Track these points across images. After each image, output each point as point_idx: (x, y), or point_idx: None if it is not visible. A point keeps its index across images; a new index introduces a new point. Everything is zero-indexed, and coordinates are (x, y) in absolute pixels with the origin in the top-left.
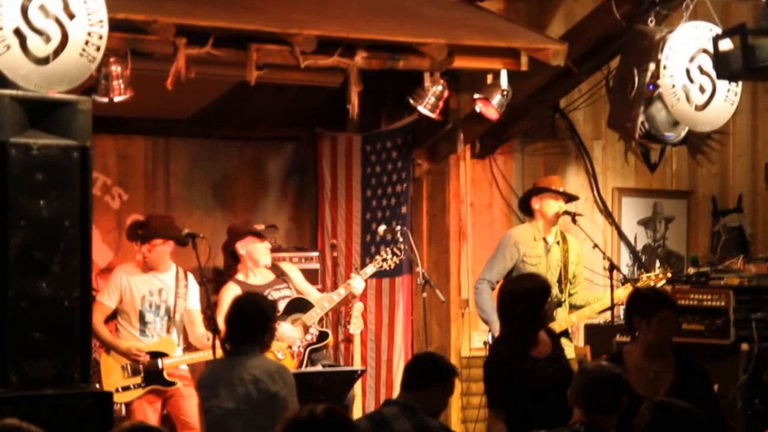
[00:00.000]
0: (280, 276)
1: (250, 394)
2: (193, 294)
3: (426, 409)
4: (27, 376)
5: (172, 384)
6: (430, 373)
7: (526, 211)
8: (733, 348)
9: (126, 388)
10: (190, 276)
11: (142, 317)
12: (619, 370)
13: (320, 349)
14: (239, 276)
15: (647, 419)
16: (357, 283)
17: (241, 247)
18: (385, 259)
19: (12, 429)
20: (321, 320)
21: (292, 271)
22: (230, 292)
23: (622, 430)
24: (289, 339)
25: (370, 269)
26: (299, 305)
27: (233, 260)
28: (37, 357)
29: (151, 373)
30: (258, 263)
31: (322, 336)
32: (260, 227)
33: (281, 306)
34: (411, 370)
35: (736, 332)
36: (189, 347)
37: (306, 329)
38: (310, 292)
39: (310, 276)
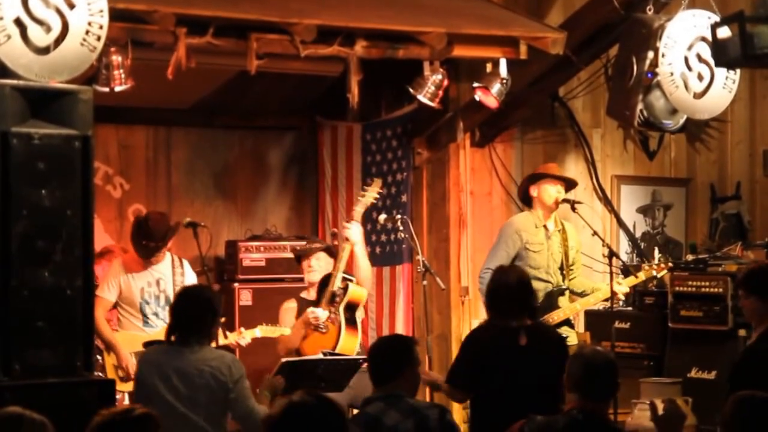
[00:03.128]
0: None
1: (209, 385)
2: (189, 280)
3: (408, 392)
4: (30, 365)
5: None
6: (399, 361)
7: (524, 199)
8: (731, 334)
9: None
10: (185, 263)
11: (143, 309)
12: (612, 356)
13: (350, 303)
14: (303, 294)
15: (729, 414)
16: (352, 232)
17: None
18: (363, 195)
19: (15, 417)
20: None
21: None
22: (287, 308)
23: None
24: (322, 318)
25: (360, 209)
26: (324, 282)
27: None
28: (39, 346)
29: None
30: (307, 280)
31: (345, 289)
32: (309, 245)
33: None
34: (379, 364)
35: (734, 318)
36: None
37: (331, 300)
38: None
39: None
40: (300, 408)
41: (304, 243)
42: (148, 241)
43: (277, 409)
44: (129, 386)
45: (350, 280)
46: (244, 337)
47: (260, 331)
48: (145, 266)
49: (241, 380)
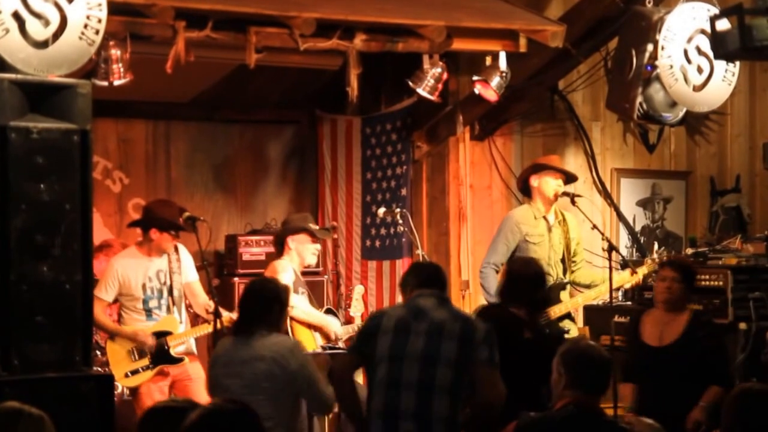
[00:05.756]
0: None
1: (272, 371)
2: (188, 265)
3: None
4: (29, 360)
5: (180, 360)
6: (445, 276)
7: (524, 190)
8: (731, 327)
9: (135, 372)
10: (181, 248)
11: (146, 304)
12: (605, 351)
13: None
14: (286, 258)
15: (727, 406)
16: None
17: (293, 242)
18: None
19: (13, 412)
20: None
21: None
22: (288, 269)
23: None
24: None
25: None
26: (333, 314)
27: (279, 251)
28: (38, 340)
29: (158, 353)
30: (304, 261)
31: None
32: (317, 228)
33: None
34: (434, 271)
35: (734, 312)
36: (191, 323)
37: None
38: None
39: None
40: (216, 415)
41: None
42: (180, 212)
43: (194, 415)
44: (136, 380)
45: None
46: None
47: None
48: (150, 254)
49: (303, 367)
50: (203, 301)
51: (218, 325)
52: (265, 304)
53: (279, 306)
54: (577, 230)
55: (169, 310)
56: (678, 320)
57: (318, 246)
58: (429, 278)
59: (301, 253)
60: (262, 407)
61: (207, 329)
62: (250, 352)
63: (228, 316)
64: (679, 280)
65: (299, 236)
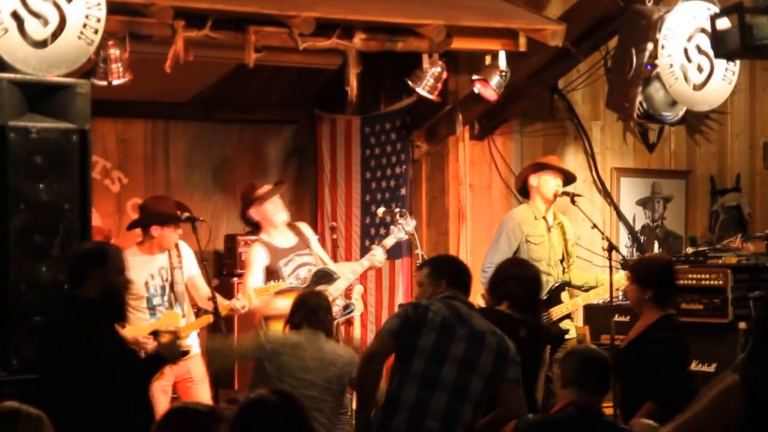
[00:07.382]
0: (301, 239)
1: (341, 376)
2: (188, 259)
3: None
4: (28, 359)
5: (185, 353)
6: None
7: (522, 190)
8: (731, 327)
9: None
10: (181, 243)
11: (150, 302)
12: (605, 352)
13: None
14: (264, 236)
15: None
16: (379, 254)
17: (255, 213)
18: (400, 227)
19: (12, 412)
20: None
21: (309, 232)
22: (257, 252)
23: None
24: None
25: (390, 240)
26: (325, 276)
27: (254, 226)
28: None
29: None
30: (274, 223)
31: (347, 308)
32: (267, 187)
33: (302, 273)
34: (463, 272)
35: (735, 311)
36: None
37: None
38: (326, 258)
39: None
40: (258, 406)
41: None
42: (176, 205)
43: (240, 404)
44: None
45: (352, 306)
46: (241, 300)
47: (254, 293)
48: (152, 253)
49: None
50: (205, 294)
51: (218, 313)
52: (317, 310)
53: (325, 312)
54: (573, 232)
55: (171, 305)
56: (642, 324)
57: (278, 199)
58: (466, 282)
59: (271, 218)
60: (329, 407)
61: (208, 320)
62: (321, 353)
63: (229, 304)
64: (631, 282)
65: (262, 206)
